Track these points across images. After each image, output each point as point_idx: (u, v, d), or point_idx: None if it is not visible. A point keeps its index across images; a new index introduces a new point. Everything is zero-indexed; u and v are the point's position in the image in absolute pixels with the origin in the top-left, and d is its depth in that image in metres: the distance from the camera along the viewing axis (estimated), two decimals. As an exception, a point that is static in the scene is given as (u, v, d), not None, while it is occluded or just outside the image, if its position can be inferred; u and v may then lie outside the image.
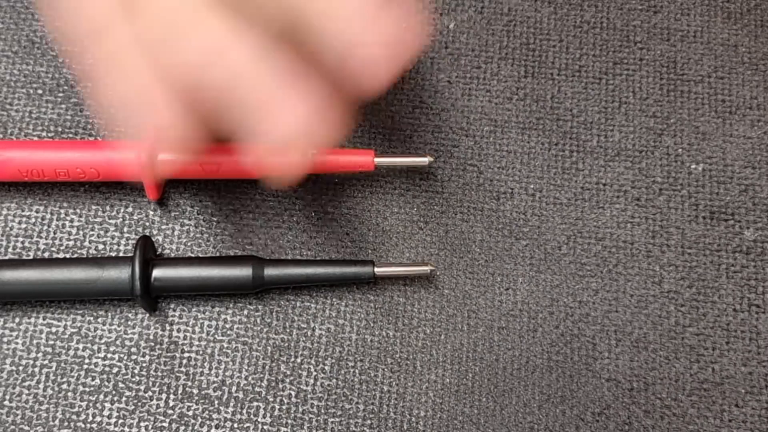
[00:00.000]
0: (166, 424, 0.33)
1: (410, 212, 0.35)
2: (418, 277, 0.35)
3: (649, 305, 0.34)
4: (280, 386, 0.33)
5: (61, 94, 0.37)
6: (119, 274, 0.32)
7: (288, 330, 0.34)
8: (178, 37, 0.25)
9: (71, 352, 0.33)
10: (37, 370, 0.33)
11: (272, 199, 0.36)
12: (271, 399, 0.33)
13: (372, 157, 0.33)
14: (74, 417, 0.33)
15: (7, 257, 0.34)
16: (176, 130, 0.26)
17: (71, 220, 0.35)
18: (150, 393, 0.33)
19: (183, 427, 0.33)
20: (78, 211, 0.35)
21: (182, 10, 0.25)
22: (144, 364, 0.33)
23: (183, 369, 0.33)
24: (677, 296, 0.34)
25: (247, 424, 0.33)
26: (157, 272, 0.32)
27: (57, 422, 0.33)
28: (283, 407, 0.33)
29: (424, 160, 0.34)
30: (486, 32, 0.38)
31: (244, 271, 0.32)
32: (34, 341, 0.33)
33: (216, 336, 0.34)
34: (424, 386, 0.33)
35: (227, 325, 0.34)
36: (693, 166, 0.36)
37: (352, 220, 0.35)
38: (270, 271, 0.33)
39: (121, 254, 0.35)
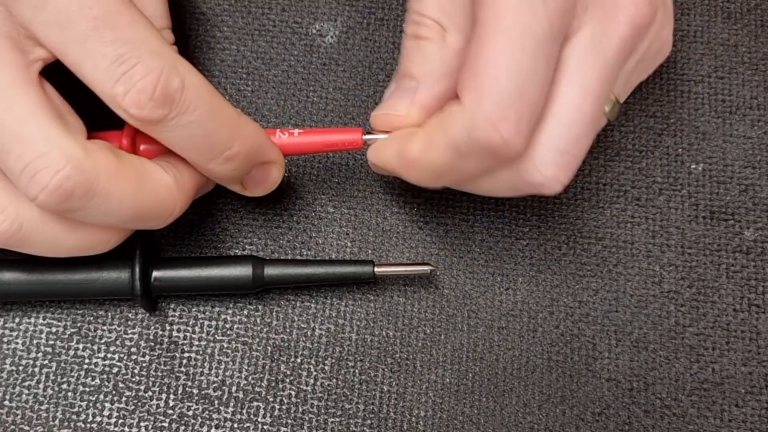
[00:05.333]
0: (166, 424, 0.33)
1: (410, 212, 0.35)
2: (418, 277, 0.35)
3: (649, 305, 0.34)
4: (280, 386, 0.33)
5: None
6: (119, 274, 0.32)
7: (288, 330, 0.34)
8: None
9: (71, 352, 0.33)
10: (37, 370, 0.33)
11: (272, 199, 0.36)
12: (271, 399, 0.33)
13: (360, 134, 0.32)
14: (74, 417, 0.33)
15: (7, 257, 0.34)
16: None
17: (71, 220, 0.35)
18: (150, 393, 0.33)
19: (183, 427, 0.33)
20: (78, 211, 0.35)
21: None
22: (144, 364, 0.33)
23: (183, 369, 0.33)
24: (677, 296, 0.34)
25: (247, 424, 0.33)
26: (157, 272, 0.32)
27: (57, 422, 0.33)
28: (283, 407, 0.33)
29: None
30: (486, 32, 0.38)
31: (244, 271, 0.32)
32: (34, 341, 0.33)
33: (216, 336, 0.34)
34: (424, 386, 0.33)
35: (227, 325, 0.34)
36: (693, 166, 0.36)
37: (352, 220, 0.35)
38: (270, 271, 0.33)
39: (121, 254, 0.35)
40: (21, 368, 0.33)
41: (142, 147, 0.31)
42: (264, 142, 0.30)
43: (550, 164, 0.29)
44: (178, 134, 0.27)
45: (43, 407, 0.33)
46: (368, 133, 0.32)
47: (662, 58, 0.32)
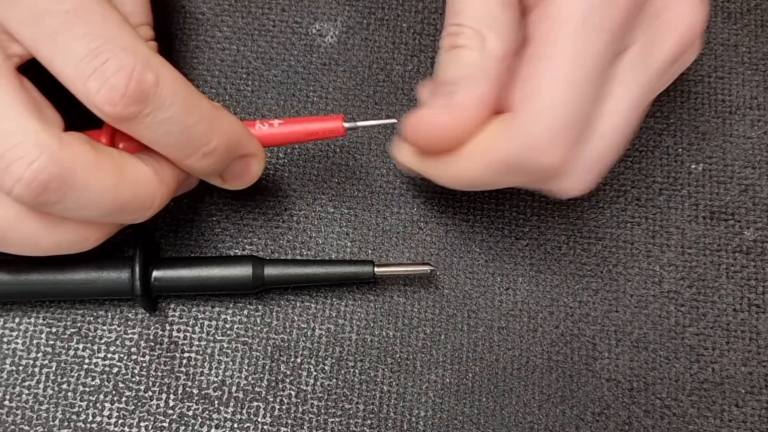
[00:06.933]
0: (166, 424, 0.33)
1: (410, 212, 0.35)
2: (418, 277, 0.35)
3: (649, 305, 0.34)
4: (280, 386, 0.33)
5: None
6: (119, 274, 0.32)
7: (288, 330, 0.34)
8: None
9: (71, 352, 0.33)
10: (37, 370, 0.33)
11: (272, 199, 0.36)
12: (271, 399, 0.33)
13: (341, 122, 0.31)
14: (74, 417, 0.33)
15: (6, 257, 0.34)
16: None
17: (71, 220, 0.35)
18: (150, 393, 0.33)
19: (183, 427, 0.33)
20: (78, 211, 0.35)
21: None
22: (144, 364, 0.33)
23: (183, 369, 0.33)
24: (677, 296, 0.34)
25: (247, 424, 0.33)
26: (157, 272, 0.32)
27: (57, 422, 0.33)
28: (283, 407, 0.33)
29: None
30: (486, 32, 0.38)
31: (244, 271, 0.32)
32: (34, 341, 0.33)
33: (216, 336, 0.34)
34: (424, 386, 0.33)
35: (227, 325, 0.34)
36: (693, 166, 0.36)
37: (352, 220, 0.35)
38: (270, 271, 0.33)
39: (121, 254, 0.35)
40: (21, 368, 0.33)
41: (120, 146, 0.31)
42: (242, 135, 0.30)
43: (582, 176, 0.29)
44: (155, 131, 0.27)
45: (43, 407, 0.33)
46: (349, 120, 0.32)
47: (690, 61, 0.32)
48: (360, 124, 0.32)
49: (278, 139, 0.31)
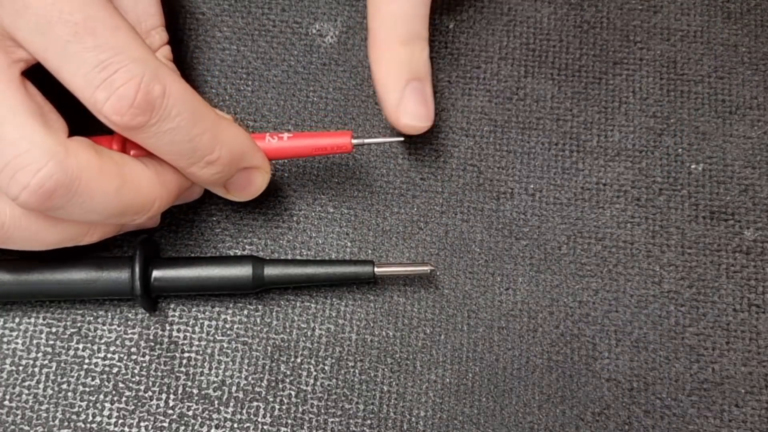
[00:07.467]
0: (166, 424, 0.33)
1: (410, 212, 0.35)
2: (418, 277, 0.35)
3: (649, 305, 0.34)
4: (280, 386, 0.33)
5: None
6: (119, 274, 0.32)
7: (288, 330, 0.34)
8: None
9: (71, 352, 0.33)
10: (37, 370, 0.33)
11: (272, 199, 0.36)
12: (271, 399, 0.33)
13: (350, 138, 0.32)
14: (74, 417, 0.33)
15: (6, 258, 0.34)
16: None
17: (71, 220, 0.35)
18: (150, 393, 0.33)
19: (183, 427, 0.33)
20: (78, 211, 0.35)
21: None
22: (144, 364, 0.33)
23: (183, 369, 0.33)
24: (677, 296, 0.34)
25: (247, 424, 0.33)
26: (157, 272, 0.32)
27: (57, 422, 0.33)
28: (283, 407, 0.33)
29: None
30: (486, 32, 0.38)
31: (244, 271, 0.32)
32: (34, 341, 0.34)
33: (216, 336, 0.34)
34: (424, 386, 0.33)
35: (227, 325, 0.34)
36: (693, 166, 0.36)
37: (352, 220, 0.35)
38: (270, 271, 0.33)
39: (121, 254, 0.35)
40: (21, 368, 0.33)
41: (132, 153, 0.31)
42: (248, 147, 0.30)
43: None
44: (159, 140, 0.27)
45: (43, 407, 0.33)
46: (357, 137, 0.33)
47: None
48: (368, 141, 0.33)
49: (286, 152, 0.32)
